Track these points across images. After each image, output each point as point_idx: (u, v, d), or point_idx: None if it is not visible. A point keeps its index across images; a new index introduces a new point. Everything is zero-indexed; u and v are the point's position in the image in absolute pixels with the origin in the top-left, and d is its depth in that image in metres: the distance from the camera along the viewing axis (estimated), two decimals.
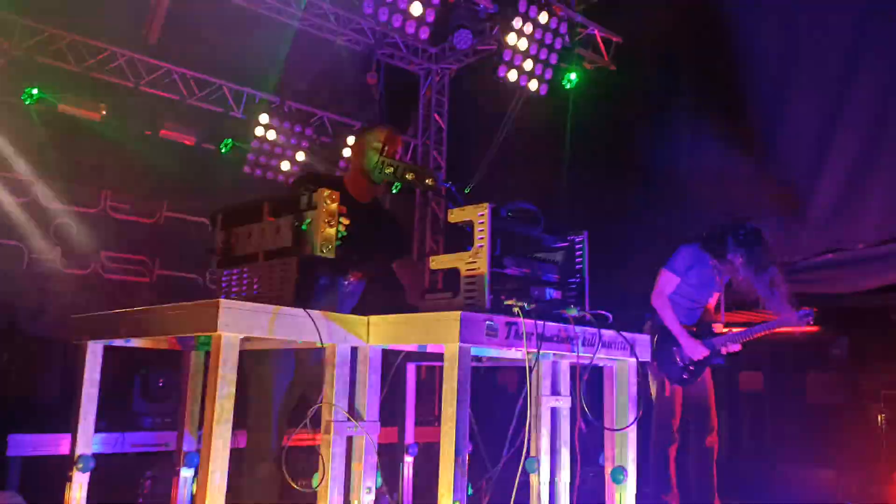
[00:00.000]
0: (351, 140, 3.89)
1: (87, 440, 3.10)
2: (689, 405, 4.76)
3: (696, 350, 4.62)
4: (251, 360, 3.43)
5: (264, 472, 3.34)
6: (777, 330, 4.71)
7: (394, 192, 8.48)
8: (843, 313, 6.43)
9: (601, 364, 3.21)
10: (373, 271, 3.73)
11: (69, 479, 3.04)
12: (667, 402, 4.67)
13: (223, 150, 7.80)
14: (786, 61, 6.32)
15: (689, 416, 4.77)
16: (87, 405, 3.11)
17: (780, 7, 6.45)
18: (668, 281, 4.71)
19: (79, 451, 3.07)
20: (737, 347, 4.72)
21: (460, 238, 2.81)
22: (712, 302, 4.92)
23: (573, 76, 7.73)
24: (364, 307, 3.58)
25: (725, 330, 4.80)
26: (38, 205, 7.14)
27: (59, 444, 4.71)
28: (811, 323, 4.66)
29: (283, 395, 3.43)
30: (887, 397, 5.80)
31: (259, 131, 7.76)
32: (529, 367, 2.66)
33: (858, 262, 5.84)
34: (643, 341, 3.22)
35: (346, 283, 3.58)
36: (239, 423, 2.83)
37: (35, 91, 6.57)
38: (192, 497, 3.12)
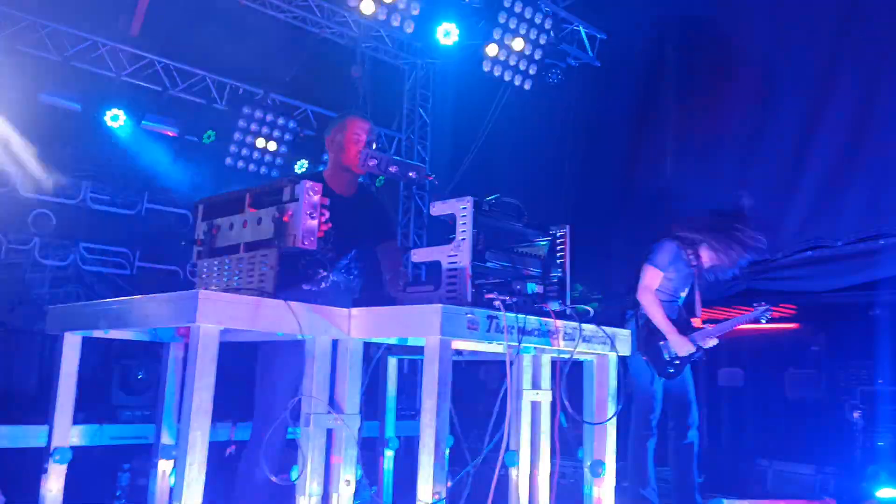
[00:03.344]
0: (328, 133, 3.87)
1: (65, 432, 3.08)
2: (669, 400, 4.80)
3: (683, 346, 4.66)
4: (263, 355, 3.41)
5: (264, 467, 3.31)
6: (750, 325, 4.82)
7: (378, 185, 8.46)
8: (821, 310, 6.49)
9: (582, 358, 3.22)
10: (364, 263, 3.72)
11: (46, 472, 3.02)
12: (647, 396, 4.69)
13: (205, 142, 7.74)
14: (770, 58, 6.35)
15: (669, 412, 4.81)
16: (64, 397, 3.09)
17: (765, 5, 6.48)
18: (653, 276, 4.73)
19: (56, 443, 3.05)
20: (714, 342, 4.78)
21: (443, 231, 2.82)
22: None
23: (558, 72, 7.73)
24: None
25: (703, 325, 4.84)
26: (18, 194, 7.05)
27: (36, 437, 4.66)
28: (770, 318, 4.76)
29: (290, 390, 3.40)
30: (863, 393, 5.86)
31: (242, 123, 7.71)
32: (510, 361, 2.67)
33: (838, 260, 5.89)
34: (624, 336, 3.24)
35: (351, 278, 3.57)
36: (234, 416, 2.82)
37: (16, 80, 6.47)
38: (171, 490, 3.11)
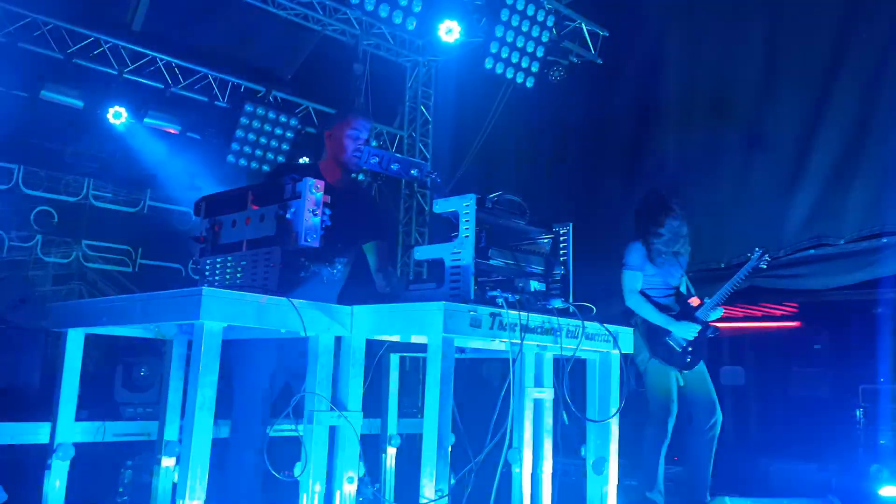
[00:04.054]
0: (328, 127, 3.87)
1: (68, 429, 3.08)
2: (693, 403, 4.75)
3: (688, 329, 4.63)
4: (236, 350, 3.42)
5: (248, 462, 3.32)
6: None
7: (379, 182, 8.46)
8: (824, 308, 6.49)
9: (585, 356, 3.22)
10: (354, 257, 3.72)
11: (48, 468, 3.02)
12: (666, 402, 4.65)
13: (208, 140, 7.74)
14: (772, 54, 6.34)
15: (693, 413, 4.76)
16: (67, 394, 3.09)
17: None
18: (632, 279, 4.73)
19: (58, 439, 3.05)
20: (720, 312, 4.75)
21: (445, 229, 2.81)
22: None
23: (560, 69, 7.72)
24: (348, 296, 3.57)
25: (701, 301, 4.81)
26: (20, 192, 7.06)
27: (38, 433, 4.66)
28: (768, 261, 4.71)
29: (266, 384, 3.42)
30: (865, 392, 5.85)
31: (244, 121, 7.71)
32: (513, 359, 2.66)
33: (840, 258, 5.88)
34: (626, 333, 3.24)
35: (334, 271, 3.56)
36: (223, 412, 2.82)
37: (18, 78, 6.47)
38: (174, 486, 3.11)
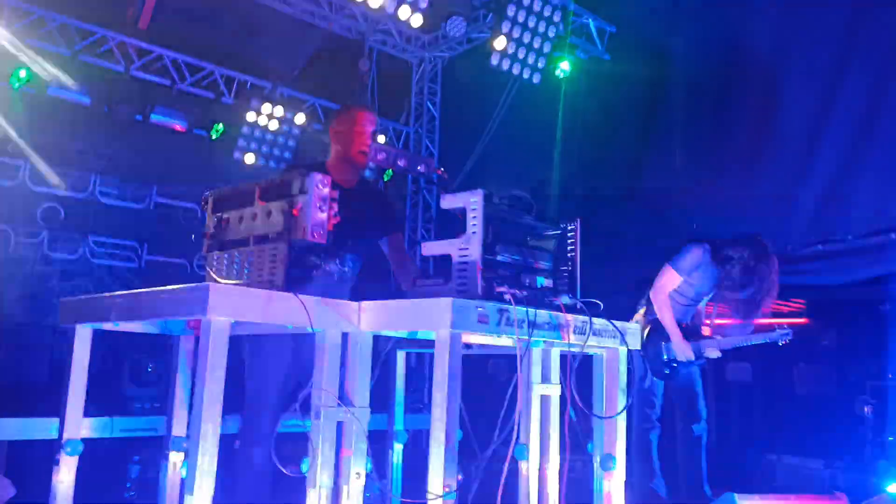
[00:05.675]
0: (333, 124, 3.86)
1: (76, 424, 3.09)
2: (675, 394, 4.79)
3: (684, 352, 4.64)
4: (249, 345, 3.42)
5: (256, 458, 3.33)
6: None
7: (386, 179, 8.46)
8: (831, 305, 6.47)
9: (592, 352, 3.21)
10: (365, 255, 3.71)
11: (57, 463, 3.03)
12: (643, 392, 4.70)
13: (214, 136, 7.74)
14: (780, 51, 6.32)
15: (675, 405, 4.80)
16: (75, 389, 3.09)
17: None
18: (671, 279, 4.68)
19: (67, 435, 3.06)
20: (718, 353, 4.75)
21: (452, 224, 2.81)
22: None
23: (566, 65, 7.71)
24: (355, 292, 3.57)
25: (713, 335, 4.82)
26: (27, 188, 7.09)
27: (47, 429, 4.68)
28: (788, 341, 4.70)
29: (280, 380, 3.42)
30: (873, 388, 5.83)
31: (250, 117, 7.71)
32: (520, 355, 2.66)
33: (848, 254, 5.86)
34: (634, 330, 3.23)
35: (344, 269, 3.56)
36: (233, 407, 2.83)
37: (24, 74, 6.48)
38: (182, 481, 3.12)
